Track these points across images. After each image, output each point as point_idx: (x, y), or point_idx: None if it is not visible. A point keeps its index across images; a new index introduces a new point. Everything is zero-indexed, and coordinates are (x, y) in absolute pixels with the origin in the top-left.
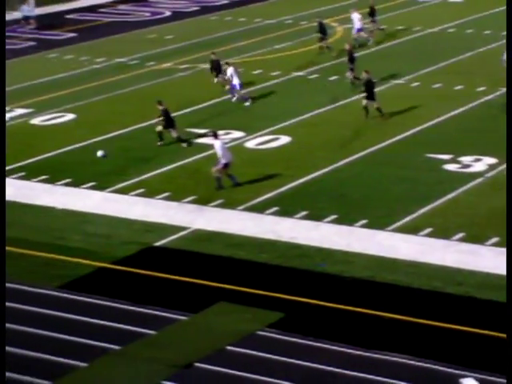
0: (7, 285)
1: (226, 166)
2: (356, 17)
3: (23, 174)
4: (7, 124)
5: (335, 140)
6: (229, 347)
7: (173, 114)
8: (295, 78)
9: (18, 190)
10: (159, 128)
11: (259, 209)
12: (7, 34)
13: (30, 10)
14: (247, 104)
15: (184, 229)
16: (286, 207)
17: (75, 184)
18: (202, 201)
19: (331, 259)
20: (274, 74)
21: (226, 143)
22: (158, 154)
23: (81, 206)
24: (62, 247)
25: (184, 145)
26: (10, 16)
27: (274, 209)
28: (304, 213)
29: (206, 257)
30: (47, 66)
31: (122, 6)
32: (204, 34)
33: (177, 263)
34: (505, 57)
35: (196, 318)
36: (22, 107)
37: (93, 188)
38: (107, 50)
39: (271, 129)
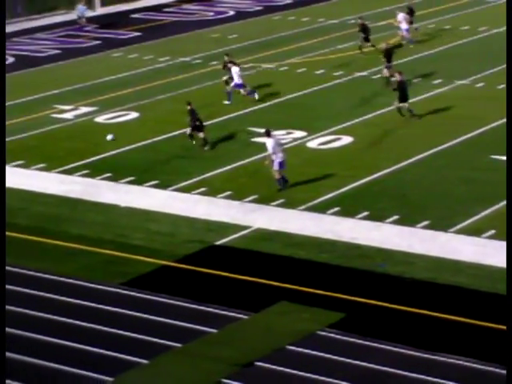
0: (70, 281)
1: (281, 165)
2: (401, 18)
3: (87, 171)
4: (71, 122)
5: (398, 140)
6: (289, 347)
7: (234, 114)
8: (358, 78)
9: (83, 188)
10: (189, 131)
11: (320, 209)
12: (74, 32)
13: (85, 9)
14: (227, 102)
15: (245, 228)
16: (347, 207)
17: (138, 182)
18: (263, 200)
19: (392, 260)
20: (337, 73)
21: (287, 143)
22: (219, 153)
23: (144, 204)
24: (124, 245)
25: (206, 148)
26: (75, 16)
27: (335, 209)
28: (365, 213)
29: (266, 256)
30: (111, 64)
31: (187, 6)
32: (267, 33)
33: (238, 262)
34: None
35: (257, 317)
36: (87, 106)
37: (156, 186)
38: (171, 49)
39: (333, 129)
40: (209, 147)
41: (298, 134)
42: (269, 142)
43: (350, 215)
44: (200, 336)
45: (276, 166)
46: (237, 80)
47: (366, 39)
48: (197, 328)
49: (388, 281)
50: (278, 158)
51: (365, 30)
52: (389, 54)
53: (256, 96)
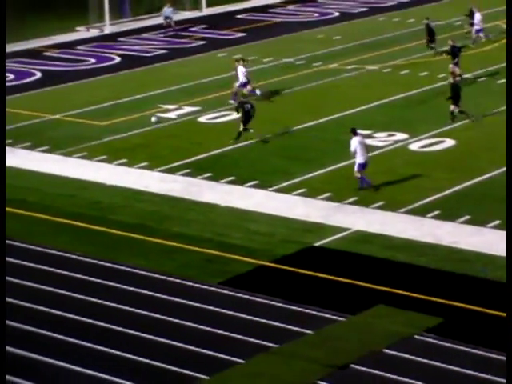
0: (170, 279)
1: (363, 166)
2: (477, 17)
3: (189, 170)
4: (175, 121)
5: (502, 143)
6: (385, 350)
7: (336, 115)
8: (462, 81)
9: (184, 187)
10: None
11: (420, 212)
12: (180, 33)
13: (172, 11)
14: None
15: (344, 230)
16: (448, 211)
17: (238, 182)
18: (363, 202)
19: (493, 265)
20: (441, 76)
21: (389, 145)
22: (320, 153)
23: (243, 203)
24: (223, 244)
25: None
26: (182, 16)
27: (436, 212)
28: (467, 217)
29: (364, 258)
30: (216, 65)
31: (292, 7)
32: (371, 34)
33: (336, 264)
34: None
35: (353, 320)
36: (190, 105)
37: (255, 186)
38: (275, 49)
39: (436, 131)
40: (234, 141)
41: (400, 136)
42: (354, 141)
43: (451, 219)
44: (296, 337)
45: (356, 167)
46: (243, 79)
47: (431, 41)
48: (293, 329)
49: (488, 286)
50: (361, 159)
51: (430, 31)
52: (454, 51)
53: (258, 92)
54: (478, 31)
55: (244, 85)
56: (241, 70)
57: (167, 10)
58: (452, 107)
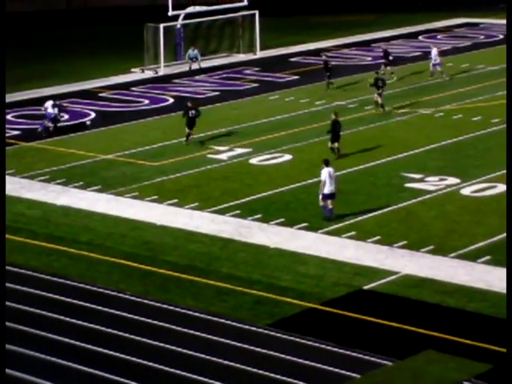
0: (217, 319)
1: (327, 196)
2: (434, 52)
3: (239, 212)
4: (226, 163)
5: None
6: None
7: (389, 158)
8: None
9: (234, 228)
10: None
11: (471, 257)
12: (233, 75)
13: (196, 54)
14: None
15: (393, 273)
16: (500, 256)
17: (288, 224)
18: (413, 246)
19: None
20: (494, 121)
21: (440, 189)
22: (371, 196)
23: (293, 245)
24: (273, 286)
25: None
26: (236, 59)
27: (487, 257)
28: None
29: (414, 303)
30: (268, 107)
31: (345, 50)
32: (424, 79)
33: (385, 308)
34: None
35: (401, 365)
36: (242, 147)
37: (305, 229)
38: (327, 92)
39: (488, 176)
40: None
41: (452, 180)
42: (324, 172)
43: (502, 264)
44: (343, 380)
45: (320, 196)
46: (51, 112)
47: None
48: (340, 372)
49: None
50: (327, 190)
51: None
52: (377, 82)
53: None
54: (434, 65)
55: (52, 119)
56: (49, 104)
57: (192, 52)
58: (335, 145)
